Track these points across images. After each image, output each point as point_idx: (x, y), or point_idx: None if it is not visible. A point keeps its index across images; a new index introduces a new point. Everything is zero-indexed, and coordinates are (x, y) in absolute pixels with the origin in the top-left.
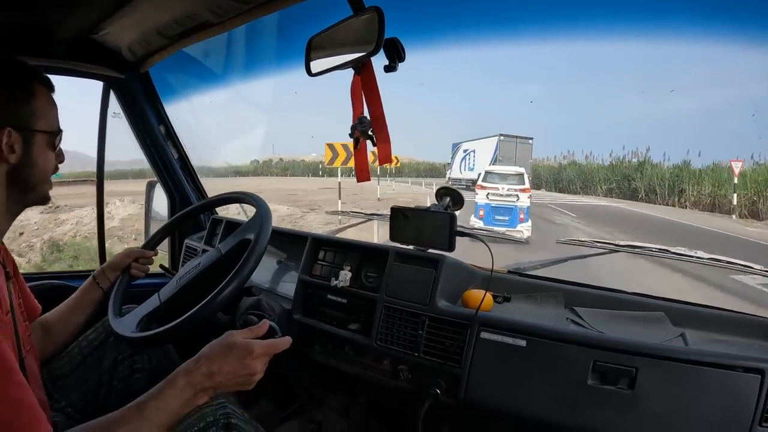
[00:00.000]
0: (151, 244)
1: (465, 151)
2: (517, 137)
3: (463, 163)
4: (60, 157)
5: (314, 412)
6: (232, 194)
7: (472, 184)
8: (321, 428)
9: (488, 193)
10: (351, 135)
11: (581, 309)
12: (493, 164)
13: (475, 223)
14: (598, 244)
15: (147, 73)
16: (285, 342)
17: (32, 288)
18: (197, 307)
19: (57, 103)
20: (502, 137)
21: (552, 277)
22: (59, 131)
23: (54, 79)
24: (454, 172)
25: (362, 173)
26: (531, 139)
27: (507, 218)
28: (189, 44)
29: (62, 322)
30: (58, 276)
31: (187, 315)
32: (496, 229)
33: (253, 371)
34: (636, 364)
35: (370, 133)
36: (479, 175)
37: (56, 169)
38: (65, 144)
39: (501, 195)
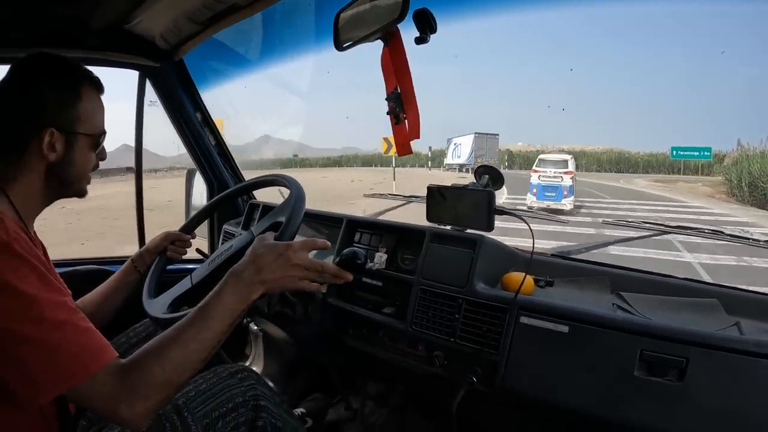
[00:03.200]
0: (189, 227)
1: (455, 144)
2: (486, 134)
3: (453, 153)
4: (101, 155)
5: (351, 400)
6: (266, 177)
7: (460, 168)
8: (358, 416)
9: (539, 175)
10: (388, 112)
11: (628, 294)
12: (473, 155)
13: (529, 199)
14: (646, 225)
15: (181, 60)
16: (324, 243)
17: (70, 272)
18: None
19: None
20: (476, 135)
21: (597, 260)
22: (102, 133)
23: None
24: (448, 160)
25: (403, 148)
26: (497, 135)
27: (554, 194)
28: (220, 29)
29: (99, 304)
30: (95, 261)
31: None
32: (546, 203)
33: (293, 262)
34: (686, 354)
35: (399, 108)
36: (538, 161)
37: (97, 166)
38: (124, 137)
39: (549, 176)
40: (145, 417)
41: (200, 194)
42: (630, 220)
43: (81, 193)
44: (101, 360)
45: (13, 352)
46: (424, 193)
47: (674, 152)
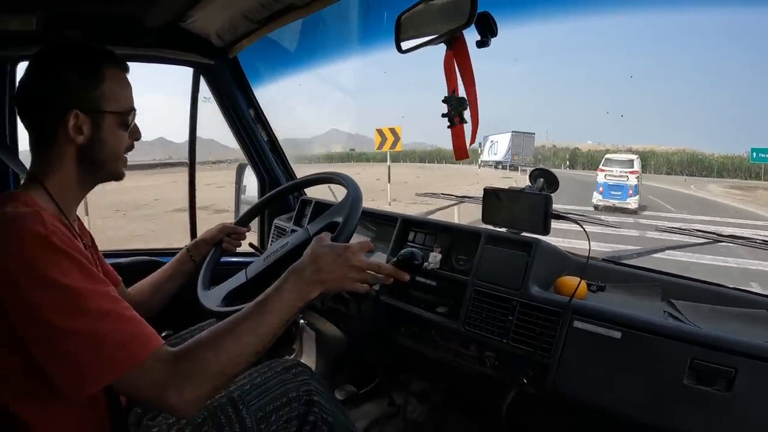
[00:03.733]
0: (244, 220)
1: (491, 141)
2: (523, 133)
3: (490, 150)
4: (135, 134)
5: (394, 396)
6: (323, 174)
7: (496, 165)
8: (400, 412)
9: (606, 174)
10: (444, 114)
11: (679, 302)
12: (510, 152)
13: (595, 197)
14: (700, 233)
15: (236, 58)
16: (369, 246)
17: (123, 264)
18: None
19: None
20: (513, 133)
21: (649, 267)
22: (131, 110)
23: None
24: (484, 157)
25: (460, 150)
26: (533, 133)
27: (620, 193)
28: (276, 28)
29: (154, 291)
30: (147, 252)
31: None
32: (612, 201)
33: (351, 264)
34: (736, 364)
35: (458, 111)
36: (605, 160)
37: (131, 147)
38: (202, 132)
39: (615, 176)
40: (194, 405)
41: (250, 189)
42: (682, 227)
43: (117, 176)
44: (148, 347)
45: (58, 346)
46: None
47: (754, 154)
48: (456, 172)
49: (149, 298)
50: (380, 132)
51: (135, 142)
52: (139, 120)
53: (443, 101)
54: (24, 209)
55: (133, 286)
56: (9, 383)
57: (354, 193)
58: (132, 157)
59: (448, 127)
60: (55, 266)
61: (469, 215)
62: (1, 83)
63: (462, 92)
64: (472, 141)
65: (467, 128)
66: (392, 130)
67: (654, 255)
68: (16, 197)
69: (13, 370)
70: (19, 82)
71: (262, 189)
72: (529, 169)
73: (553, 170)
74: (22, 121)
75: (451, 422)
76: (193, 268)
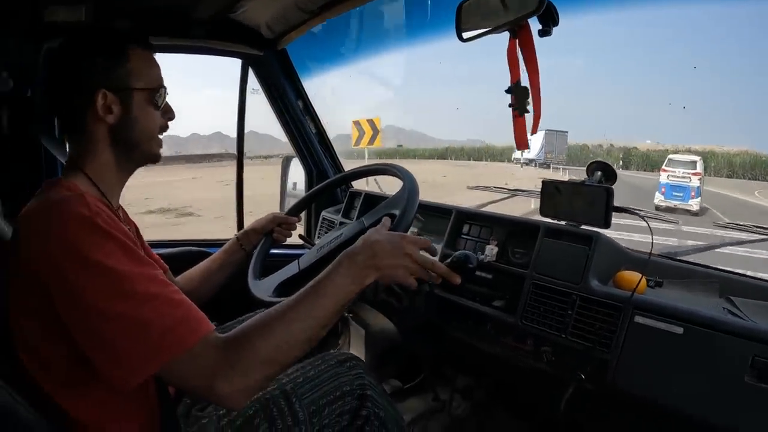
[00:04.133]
0: (294, 211)
1: None
2: (556, 131)
3: None
4: (168, 113)
5: (439, 391)
6: (378, 165)
7: (529, 162)
8: (445, 408)
9: (668, 175)
10: (510, 104)
11: (738, 299)
12: (543, 150)
13: (657, 197)
14: (758, 229)
15: (284, 49)
16: (426, 242)
17: (171, 254)
18: None
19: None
20: (546, 131)
21: (706, 263)
22: (159, 88)
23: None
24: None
25: (521, 141)
26: (566, 132)
27: (681, 194)
28: (328, 18)
29: (202, 280)
30: (193, 243)
31: None
32: (674, 203)
33: (406, 252)
34: None
35: (522, 101)
36: (667, 160)
37: (165, 127)
38: (258, 127)
39: (677, 177)
40: (243, 395)
41: (296, 181)
42: (741, 224)
43: (153, 157)
44: (198, 332)
45: (102, 331)
46: None
47: None
48: (487, 171)
49: (198, 287)
50: (357, 124)
51: (191, 136)
52: (198, 115)
53: (506, 91)
54: (68, 193)
55: (181, 275)
56: (53, 373)
57: (410, 185)
58: (187, 150)
59: (515, 116)
60: (100, 248)
61: (509, 212)
62: None
63: (525, 82)
64: (534, 131)
65: (528, 118)
66: (371, 122)
67: (711, 251)
68: (59, 183)
69: (58, 359)
70: (46, 71)
71: (309, 181)
72: (561, 168)
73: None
74: (53, 110)
75: (496, 419)
76: (243, 258)
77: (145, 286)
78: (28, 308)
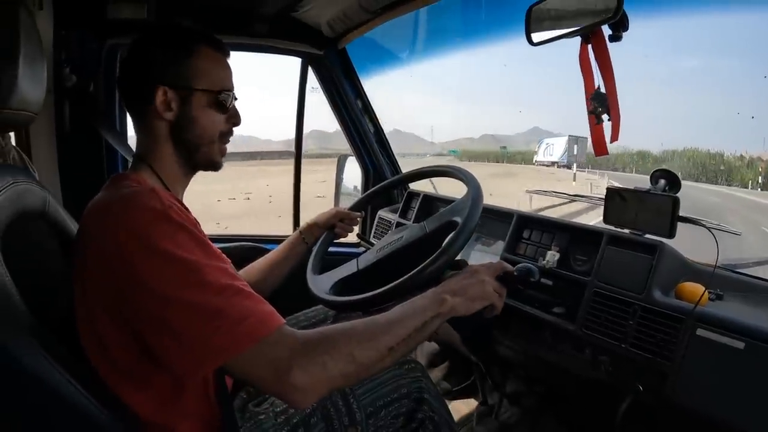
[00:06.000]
0: (357, 207)
1: (546, 144)
2: (578, 137)
3: (545, 151)
4: (234, 119)
5: (488, 396)
6: (442, 168)
7: (550, 164)
8: (494, 412)
9: None
10: (589, 111)
11: None
12: (566, 154)
13: None
14: None
15: (344, 48)
16: (502, 266)
17: (231, 248)
18: (403, 278)
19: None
20: (569, 137)
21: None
22: (223, 91)
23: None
24: (538, 157)
25: (600, 148)
26: (586, 138)
27: None
28: (391, 18)
29: (266, 273)
30: (251, 239)
31: (391, 286)
32: None
33: (482, 281)
34: None
35: (601, 108)
36: None
37: (229, 132)
38: (329, 125)
39: None
40: (318, 388)
41: (352, 179)
42: None
43: (213, 164)
44: (269, 325)
45: (175, 321)
46: None
47: None
48: (524, 173)
49: (264, 279)
50: None
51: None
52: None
53: (589, 99)
54: (138, 186)
55: (243, 269)
56: (118, 366)
57: (475, 192)
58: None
59: (595, 124)
60: (171, 239)
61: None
62: (112, 70)
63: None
64: (614, 138)
65: (606, 124)
66: None
67: None
68: (128, 177)
69: (124, 352)
70: (120, 66)
71: (366, 180)
72: (598, 172)
73: (619, 174)
74: (124, 104)
75: (544, 426)
76: (305, 251)
77: (217, 277)
78: (96, 301)
